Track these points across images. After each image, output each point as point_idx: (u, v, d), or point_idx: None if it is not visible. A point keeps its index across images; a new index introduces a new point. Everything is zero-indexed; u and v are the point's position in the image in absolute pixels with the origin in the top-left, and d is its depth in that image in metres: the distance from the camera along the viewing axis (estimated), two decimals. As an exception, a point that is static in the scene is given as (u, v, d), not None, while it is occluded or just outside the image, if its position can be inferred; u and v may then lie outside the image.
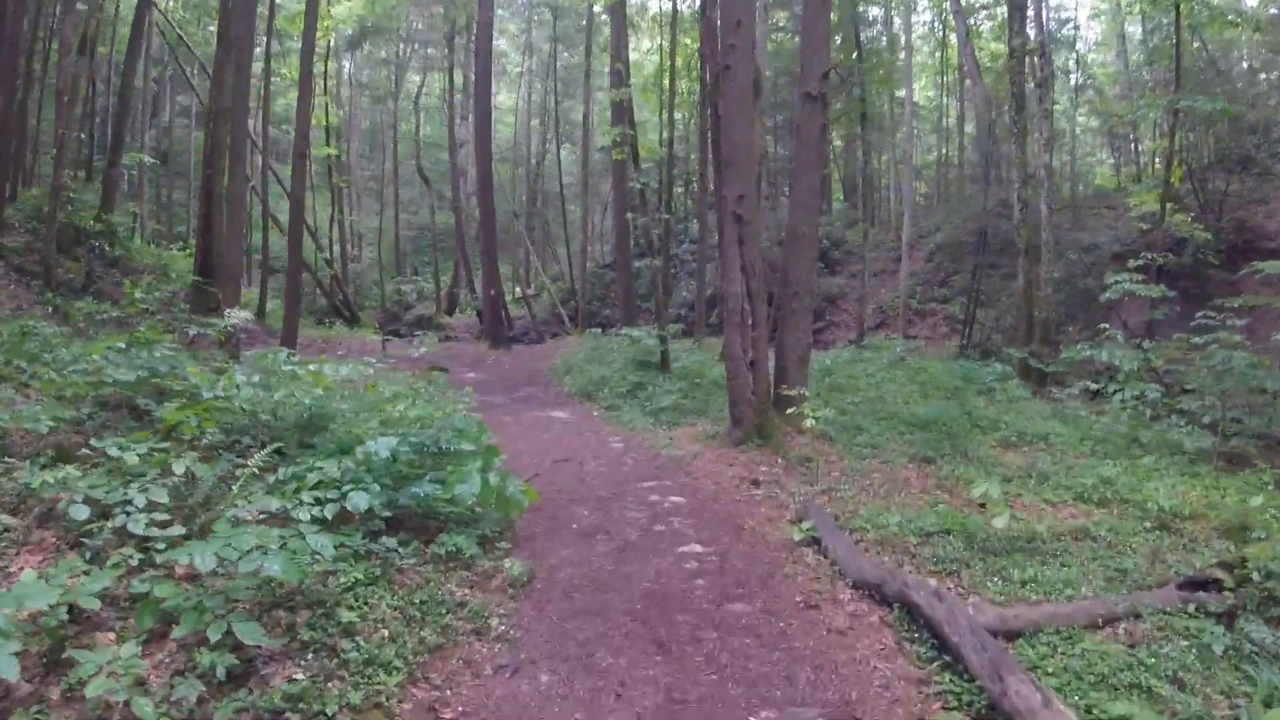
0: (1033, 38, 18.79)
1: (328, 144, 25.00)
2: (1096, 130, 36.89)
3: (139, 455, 5.89)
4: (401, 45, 35.92)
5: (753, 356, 10.98)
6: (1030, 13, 19.10)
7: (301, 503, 5.57)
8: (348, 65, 39.70)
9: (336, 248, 36.65)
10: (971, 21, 30.65)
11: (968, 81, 35.01)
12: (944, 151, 39.65)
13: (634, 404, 14.39)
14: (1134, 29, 34.87)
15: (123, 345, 7.75)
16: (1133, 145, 34.21)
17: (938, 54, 38.32)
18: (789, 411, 11.33)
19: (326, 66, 25.84)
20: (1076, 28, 35.87)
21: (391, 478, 6.56)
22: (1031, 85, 18.81)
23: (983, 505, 8.48)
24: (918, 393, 15.26)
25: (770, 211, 28.62)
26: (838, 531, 7.23)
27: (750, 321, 10.87)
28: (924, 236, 30.39)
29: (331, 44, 30.37)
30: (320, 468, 6.19)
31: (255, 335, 22.81)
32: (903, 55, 30.26)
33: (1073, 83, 33.85)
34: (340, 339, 25.67)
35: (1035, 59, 18.47)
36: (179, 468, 5.79)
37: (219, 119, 23.27)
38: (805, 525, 7.40)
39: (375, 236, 43.92)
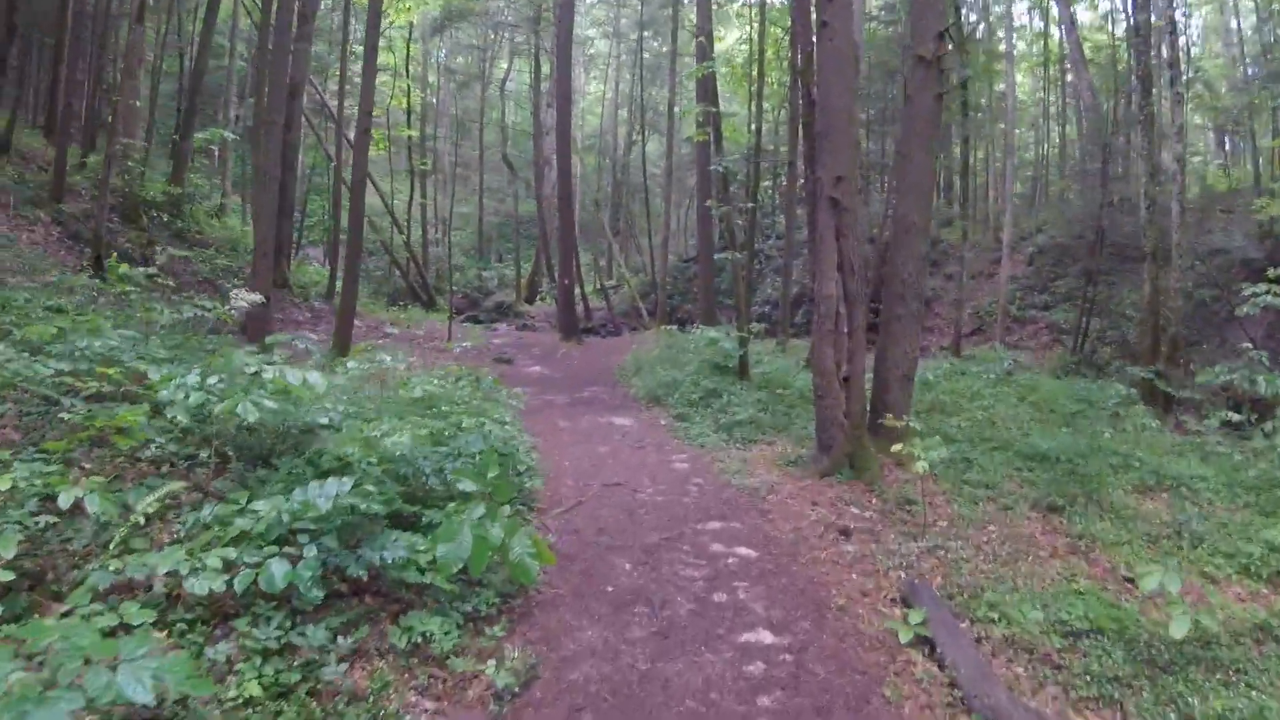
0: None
1: (409, 126, 23.63)
2: (1201, 128, 33.51)
3: (16, 479, 4.25)
4: (489, 31, 34.44)
5: (847, 371, 8.95)
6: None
7: (203, 566, 3.82)
8: (438, 50, 38.41)
9: (418, 231, 35.51)
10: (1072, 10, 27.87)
11: (1068, 76, 32.20)
12: (1043, 149, 36.60)
13: (706, 415, 12.45)
14: (1240, 21, 31.76)
15: (60, 329, 6.12)
16: (1246, 143, 30.80)
17: (1034, 47, 35.26)
18: (889, 440, 9.31)
19: (408, 49, 24.52)
20: (1188, 14, 32.40)
21: (349, 530, 4.75)
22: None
23: (1131, 581, 6.53)
24: (1032, 416, 13.00)
25: (861, 205, 26.24)
26: (958, 632, 5.19)
27: (846, 329, 8.84)
28: (1024, 238, 27.76)
29: (415, 25, 29.00)
30: (256, 510, 4.43)
31: (322, 315, 21.59)
32: (1003, 42, 27.56)
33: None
34: (410, 322, 24.30)
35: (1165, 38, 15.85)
36: (65, 498, 4.11)
37: (289, 92, 22.26)
38: (914, 617, 5.35)
39: (461, 222, 42.83)
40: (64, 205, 16.61)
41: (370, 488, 4.75)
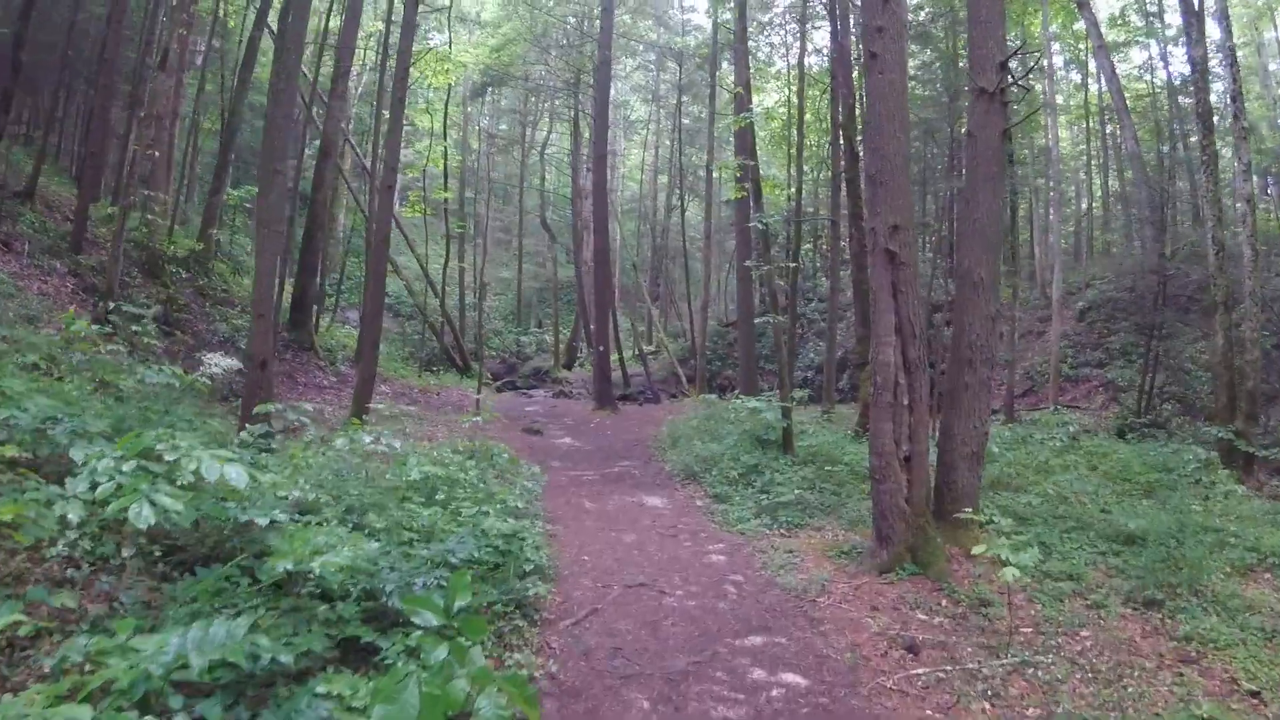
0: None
1: (446, 188, 23.02)
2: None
3: None
4: (528, 96, 34.07)
5: (908, 450, 7.61)
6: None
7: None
8: (479, 114, 38.19)
9: (458, 295, 34.84)
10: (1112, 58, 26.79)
11: (1108, 127, 30.87)
12: (1085, 204, 35.22)
13: (746, 494, 11.11)
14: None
15: None
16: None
17: (1071, 100, 34.02)
18: (956, 528, 7.98)
19: (446, 111, 24.01)
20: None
21: (247, 686, 3.51)
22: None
23: (1257, 695, 5.53)
24: (1107, 487, 11.51)
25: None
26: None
27: (906, 401, 7.53)
28: (1072, 294, 26.21)
29: (454, 88, 28.64)
30: (138, 650, 3.23)
31: (348, 380, 20.67)
32: (1044, 92, 26.38)
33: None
34: (440, 388, 23.31)
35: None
36: None
37: (321, 151, 21.69)
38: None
39: (502, 287, 42.19)
40: (83, 256, 15.96)
41: (288, 627, 3.51)
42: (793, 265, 18.27)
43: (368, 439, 7.98)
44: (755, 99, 26.68)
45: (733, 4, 17.46)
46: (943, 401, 8.37)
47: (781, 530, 9.54)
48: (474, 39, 34.26)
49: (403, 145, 32.91)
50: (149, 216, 17.79)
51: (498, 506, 7.80)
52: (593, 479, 12.89)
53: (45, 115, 18.80)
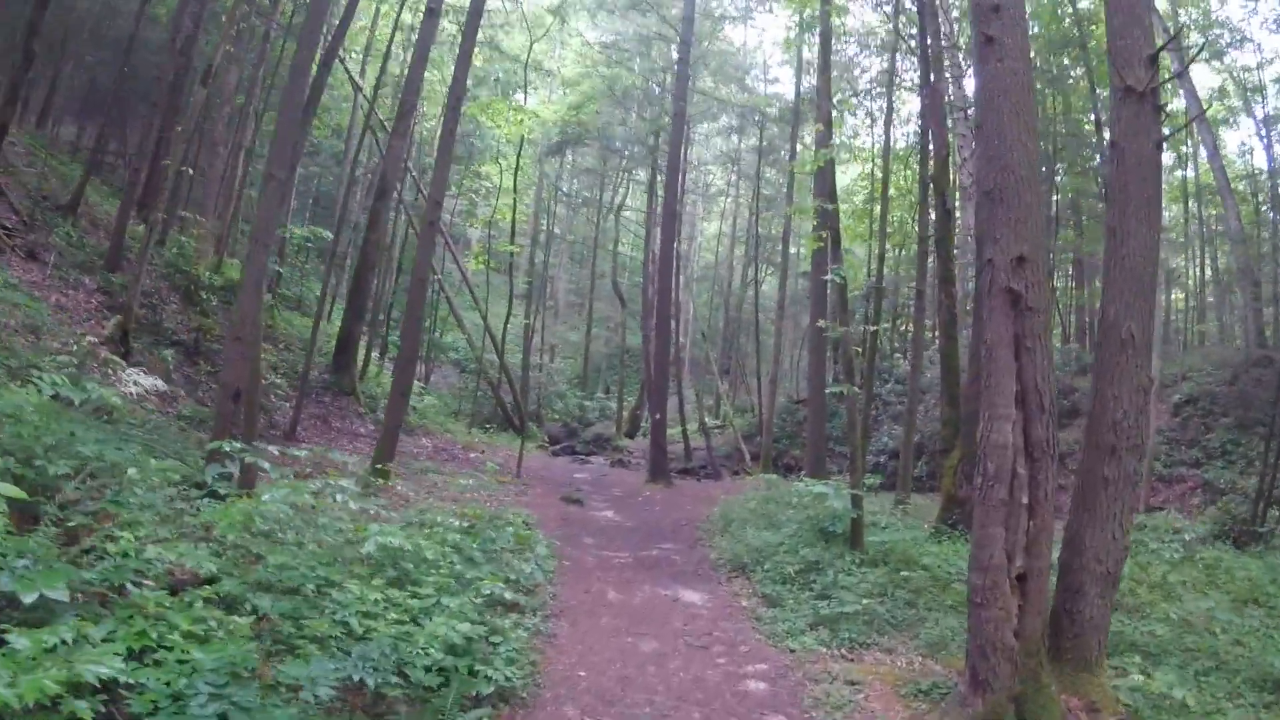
0: None
1: (513, 241, 21.72)
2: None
3: None
4: (606, 157, 32.92)
5: (1024, 566, 5.47)
6: None
7: None
8: (559, 174, 37.17)
9: (523, 353, 33.48)
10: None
11: (1207, 210, 28.12)
12: (1180, 292, 32.27)
13: (802, 598, 8.94)
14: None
15: None
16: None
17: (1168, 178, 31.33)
18: (1076, 669, 5.84)
19: (517, 162, 22.84)
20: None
21: None
22: None
23: None
24: (1239, 613, 9.03)
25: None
26: None
27: (1026, 499, 5.42)
28: (1166, 386, 23.36)
29: (528, 143, 27.64)
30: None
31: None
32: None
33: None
34: (486, 446, 21.62)
35: None
36: None
37: (378, 192, 20.56)
38: None
39: (572, 351, 40.75)
40: (117, 275, 14.88)
41: None
42: (873, 329, 16.14)
43: (344, 495, 6.24)
44: (837, 174, 24.96)
45: (817, 36, 15.81)
46: (1071, 502, 6.18)
47: (843, 650, 7.37)
48: (553, 97, 33.43)
49: (477, 199, 32.08)
50: (182, 239, 16.75)
51: (474, 596, 5.89)
52: (625, 562, 10.85)
53: (99, 130, 18.05)
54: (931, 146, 14.20)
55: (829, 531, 11.05)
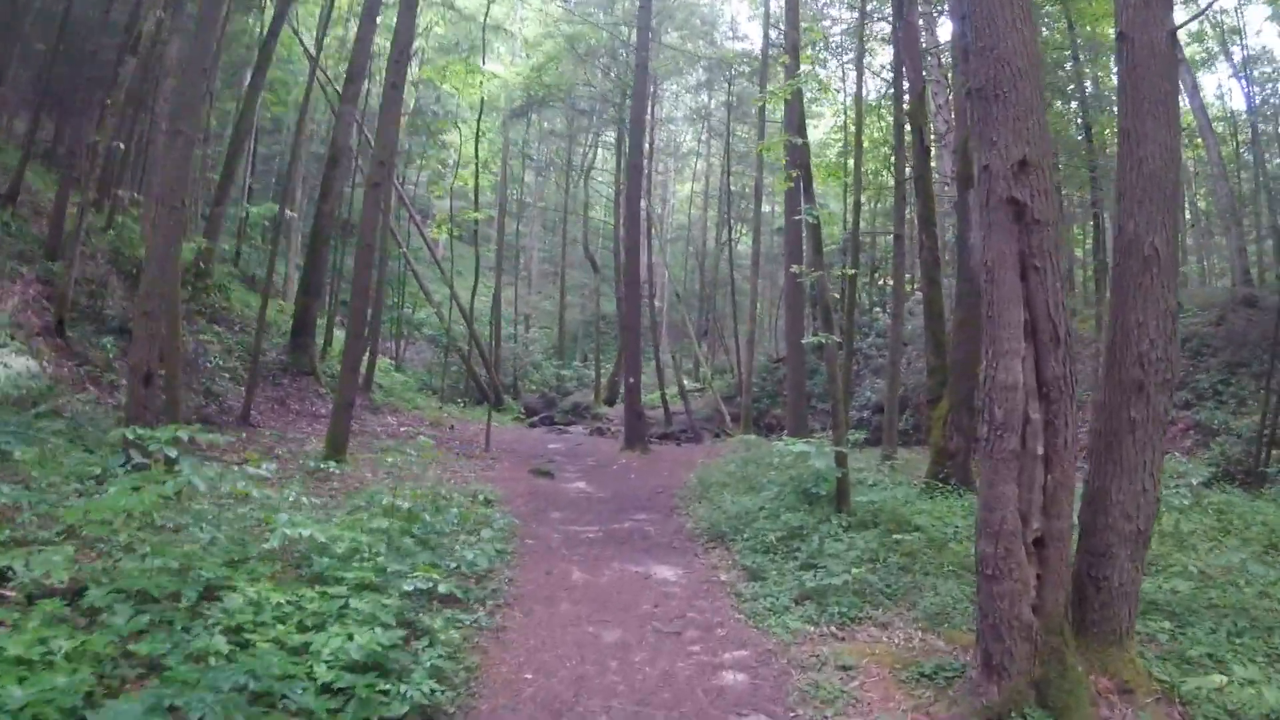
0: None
1: (476, 208, 20.44)
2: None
3: None
4: (573, 118, 31.56)
5: (1041, 529, 4.56)
6: None
7: None
8: (525, 139, 35.69)
9: (493, 325, 32.36)
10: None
11: (1186, 153, 27.26)
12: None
13: (786, 569, 8.01)
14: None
15: None
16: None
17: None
18: (1104, 645, 4.97)
19: (478, 127, 21.60)
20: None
21: None
22: None
23: None
24: (1262, 562, 8.17)
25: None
26: None
27: (1041, 449, 4.48)
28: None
29: (491, 109, 26.31)
30: None
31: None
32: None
33: None
34: (459, 422, 20.61)
35: None
36: None
37: (328, 159, 19.29)
38: None
39: (548, 319, 39.59)
40: (58, 264, 13.71)
41: None
42: (851, 272, 15.14)
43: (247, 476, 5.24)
44: (809, 130, 23.74)
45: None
46: (1090, 451, 5.24)
47: (832, 627, 6.46)
48: (516, 62, 32.02)
49: (444, 170, 30.76)
50: (119, 219, 15.54)
51: (393, 594, 4.92)
52: (594, 537, 9.91)
53: (34, 113, 16.68)
54: (906, 84, 13.18)
55: (812, 493, 10.14)
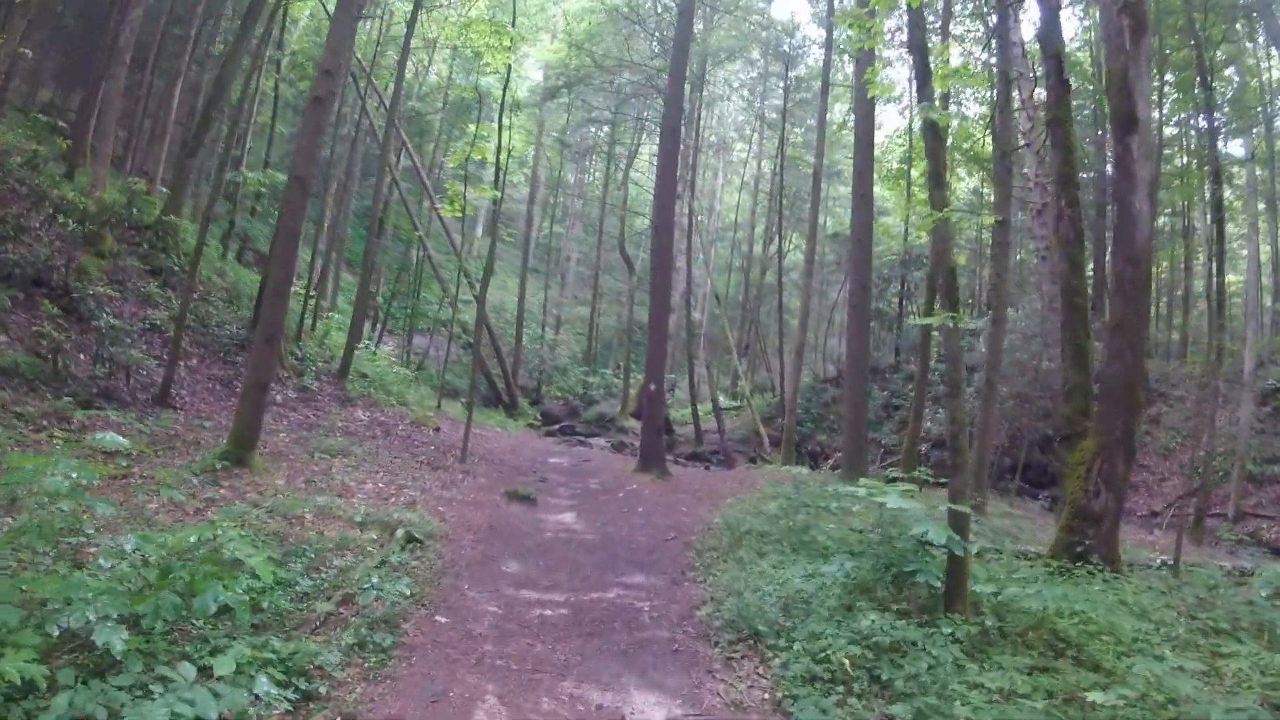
0: None
1: (497, 184, 16.67)
2: None
3: None
4: (616, 104, 27.70)
5: None
6: None
7: None
8: (567, 128, 31.80)
9: (533, 328, 28.66)
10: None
11: None
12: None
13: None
14: None
15: None
16: None
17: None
18: None
19: (504, 95, 17.94)
20: None
21: None
22: None
23: None
24: None
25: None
26: None
27: None
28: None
29: (526, 88, 22.66)
30: None
31: (313, 398, 14.38)
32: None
33: None
34: (451, 421, 16.80)
35: None
36: None
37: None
38: None
39: (582, 325, 35.67)
40: None
41: None
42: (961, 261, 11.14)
43: None
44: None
45: None
46: None
47: None
48: (553, 45, 28.31)
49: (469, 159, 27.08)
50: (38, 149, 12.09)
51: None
52: (552, 618, 5.96)
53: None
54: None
55: (904, 574, 6.11)
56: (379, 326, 26.88)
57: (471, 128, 25.59)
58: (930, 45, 6.75)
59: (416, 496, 9.14)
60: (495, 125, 19.45)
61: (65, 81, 19.15)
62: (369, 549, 6.58)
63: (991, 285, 12.66)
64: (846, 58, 22.92)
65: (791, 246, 31.76)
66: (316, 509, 7.70)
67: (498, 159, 17.63)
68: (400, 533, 6.99)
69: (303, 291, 18.25)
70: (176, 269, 14.63)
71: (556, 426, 23.58)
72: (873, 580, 6.11)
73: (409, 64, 25.97)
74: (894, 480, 7.43)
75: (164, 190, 16.23)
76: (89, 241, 13.05)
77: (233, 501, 7.60)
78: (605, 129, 29.88)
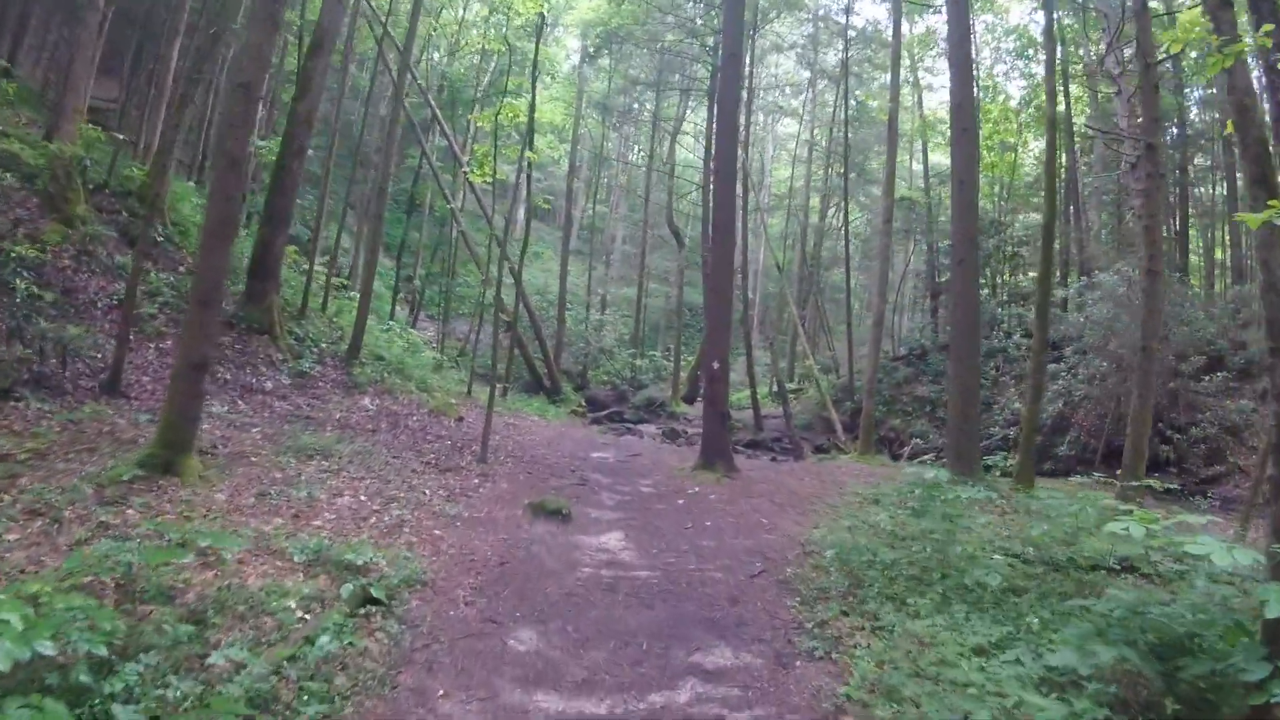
0: None
1: (531, 147, 13.98)
2: None
3: None
4: (660, 66, 24.81)
5: None
6: None
7: None
8: (608, 91, 28.92)
9: (559, 302, 26.02)
10: None
11: None
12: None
13: None
14: None
15: None
16: None
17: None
18: None
19: (537, 48, 15.30)
20: None
21: None
22: None
23: None
24: None
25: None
26: None
27: None
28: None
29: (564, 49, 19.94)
30: None
31: (308, 384, 11.86)
32: None
33: None
34: (480, 410, 14.28)
35: None
36: None
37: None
38: None
39: (629, 307, 33.02)
40: None
41: None
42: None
43: None
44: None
45: None
46: None
47: None
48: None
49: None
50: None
51: None
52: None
53: None
54: None
55: (1184, 658, 3.34)
56: (414, 310, 24.60)
57: (510, 91, 23.16)
58: None
59: (406, 515, 6.57)
60: (529, 80, 16.95)
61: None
62: (293, 619, 4.02)
63: (1145, 225, 9.67)
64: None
65: (855, 215, 28.64)
66: (252, 541, 5.19)
67: (531, 116, 14.92)
68: (348, 590, 4.39)
69: (322, 269, 15.93)
70: (162, 240, 12.35)
71: (603, 413, 20.95)
72: (1123, 656, 3.35)
73: (437, 27, 23.58)
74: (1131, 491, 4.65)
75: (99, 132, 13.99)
76: (51, 206, 10.83)
77: (131, 529, 5.15)
78: (650, 95, 26.99)
